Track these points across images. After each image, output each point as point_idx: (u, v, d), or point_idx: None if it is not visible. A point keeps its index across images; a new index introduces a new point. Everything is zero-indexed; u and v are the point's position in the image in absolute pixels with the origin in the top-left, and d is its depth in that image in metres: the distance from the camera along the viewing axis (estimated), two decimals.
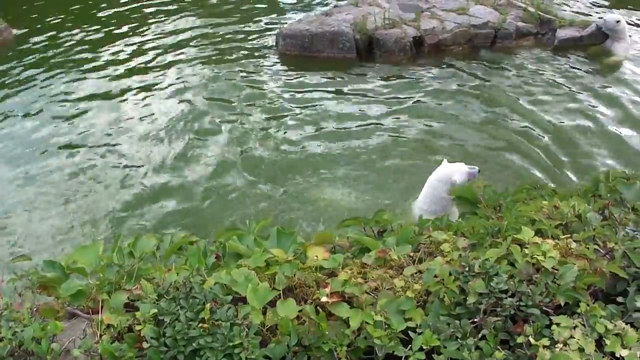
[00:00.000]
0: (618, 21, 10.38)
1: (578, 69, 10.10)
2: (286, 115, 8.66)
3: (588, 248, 2.74)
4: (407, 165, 7.57)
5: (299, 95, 9.19)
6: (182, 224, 6.60)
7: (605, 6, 12.61)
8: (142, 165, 7.71)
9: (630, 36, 10.76)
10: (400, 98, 9.10)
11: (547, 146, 7.98)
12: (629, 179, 3.53)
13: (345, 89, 9.37)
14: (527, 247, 2.71)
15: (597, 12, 12.15)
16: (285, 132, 8.24)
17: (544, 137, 8.19)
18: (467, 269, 2.54)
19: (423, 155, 7.74)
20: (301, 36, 10.32)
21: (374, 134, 8.18)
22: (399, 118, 8.57)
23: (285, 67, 10.07)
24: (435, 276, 2.58)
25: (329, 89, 9.38)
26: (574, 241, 2.82)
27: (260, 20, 11.89)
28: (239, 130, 8.29)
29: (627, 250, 2.70)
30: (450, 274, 2.56)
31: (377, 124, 8.44)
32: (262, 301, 2.61)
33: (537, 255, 2.62)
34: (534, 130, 8.34)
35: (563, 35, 10.74)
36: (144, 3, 13.13)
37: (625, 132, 8.37)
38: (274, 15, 12.18)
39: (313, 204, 6.83)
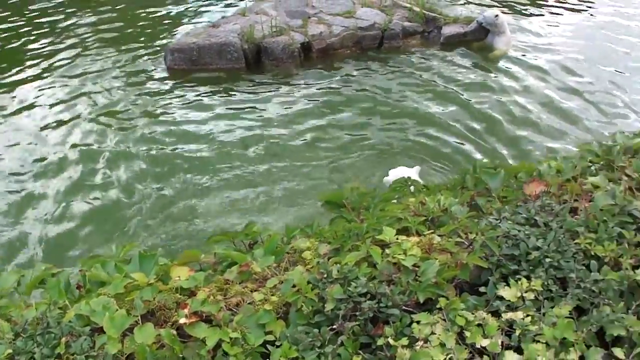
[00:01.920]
0: (497, 15, 10.77)
1: (464, 63, 10.40)
2: (175, 131, 8.45)
3: (450, 241, 2.74)
4: (298, 173, 7.54)
5: (187, 110, 8.99)
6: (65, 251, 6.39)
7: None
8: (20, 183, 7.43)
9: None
10: (289, 105, 9.07)
11: (445, 140, 8.23)
12: (496, 168, 3.59)
13: (234, 100, 9.25)
14: (389, 247, 2.69)
15: (482, 7, 12.57)
16: (173, 149, 8.05)
17: (440, 131, 8.44)
18: (325, 275, 2.49)
19: (315, 163, 7.74)
20: (189, 49, 10.14)
21: (262, 145, 8.10)
22: (288, 126, 8.53)
23: (173, 82, 9.84)
24: (294, 286, 2.53)
25: (218, 101, 9.22)
26: (439, 236, 2.83)
27: (148, 36, 11.61)
28: (127, 151, 8.02)
29: (487, 240, 2.71)
30: (309, 282, 2.50)
31: (266, 133, 8.37)
32: (119, 329, 2.49)
33: (398, 254, 2.60)
34: (428, 125, 8.56)
35: (448, 32, 11.03)
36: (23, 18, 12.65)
37: (512, 121, 8.74)
38: (161, 30, 11.91)
39: (199, 221, 6.72)
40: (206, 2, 13.18)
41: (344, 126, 8.53)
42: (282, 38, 10.23)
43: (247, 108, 9.01)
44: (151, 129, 8.52)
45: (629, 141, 3.98)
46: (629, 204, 3.18)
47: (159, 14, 12.59)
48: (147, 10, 12.72)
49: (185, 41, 10.35)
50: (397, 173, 6.17)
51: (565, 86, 9.78)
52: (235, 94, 9.42)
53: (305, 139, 8.23)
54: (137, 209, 6.99)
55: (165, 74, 10.16)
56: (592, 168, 3.77)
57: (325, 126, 8.52)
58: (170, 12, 12.73)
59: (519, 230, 2.87)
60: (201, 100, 9.28)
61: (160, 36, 11.59)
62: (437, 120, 8.67)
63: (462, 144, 8.13)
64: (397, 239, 2.74)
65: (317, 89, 9.51)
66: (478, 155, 7.84)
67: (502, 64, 10.46)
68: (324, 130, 8.44)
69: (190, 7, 12.98)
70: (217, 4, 13.04)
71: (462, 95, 9.38)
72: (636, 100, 9.49)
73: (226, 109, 9.02)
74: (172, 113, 8.94)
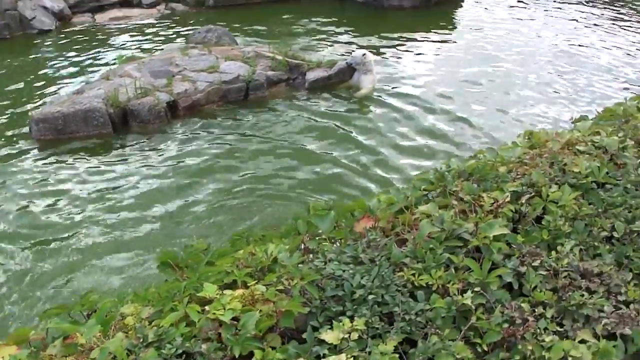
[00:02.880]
0: (364, 54, 11.22)
1: (331, 105, 10.77)
2: (38, 205, 8.15)
3: (271, 290, 2.77)
4: (171, 234, 7.48)
5: (52, 182, 8.67)
6: None
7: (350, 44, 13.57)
8: None
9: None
10: (158, 166, 9.00)
11: (332, 177, 8.59)
12: (330, 209, 3.67)
13: (102, 166, 9.05)
14: (212, 304, 2.69)
15: (346, 52, 13.02)
16: (43, 224, 7.79)
17: (324, 169, 8.76)
18: (141, 339, 2.47)
19: (190, 219, 7.71)
20: (53, 119, 9.85)
21: (134, 209, 7.99)
22: (159, 186, 8.47)
23: (39, 155, 9.45)
24: (110, 353, 2.48)
25: (86, 170, 8.94)
26: (264, 285, 2.85)
27: (10, 108, 11.22)
28: None
29: (306, 284, 2.76)
30: (126, 349, 2.47)
31: (137, 196, 8.27)
32: None
33: (217, 309, 2.60)
34: (306, 167, 8.82)
35: (312, 77, 11.33)
36: None
37: (384, 153, 9.21)
38: (24, 101, 11.51)
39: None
40: (69, 69, 12.92)
41: (214, 181, 8.55)
42: (148, 99, 10.17)
43: (115, 174, 8.83)
44: (12, 206, 8.19)
45: (463, 165, 4.14)
46: (458, 228, 3.30)
47: (20, 84, 12.21)
48: (7, 81, 12.34)
49: (49, 110, 10.07)
50: None
51: (433, 112, 10.51)
52: (103, 161, 9.19)
53: (177, 198, 8.17)
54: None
55: (31, 146, 9.79)
56: (429, 196, 3.89)
57: (195, 182, 8.51)
58: (32, 81, 12.38)
59: (344, 270, 2.93)
60: (68, 170, 8.98)
61: (24, 107, 11.19)
62: (315, 160, 8.96)
63: (350, 181, 8.43)
64: (220, 293, 2.74)
65: (185, 147, 9.49)
66: (366, 188, 8.21)
67: (368, 101, 10.88)
68: (194, 187, 8.42)
69: (53, 74, 12.68)
70: (80, 70, 12.81)
71: (336, 133, 9.76)
72: (501, 117, 10.54)
73: (95, 177, 8.78)
74: (37, 186, 8.61)
